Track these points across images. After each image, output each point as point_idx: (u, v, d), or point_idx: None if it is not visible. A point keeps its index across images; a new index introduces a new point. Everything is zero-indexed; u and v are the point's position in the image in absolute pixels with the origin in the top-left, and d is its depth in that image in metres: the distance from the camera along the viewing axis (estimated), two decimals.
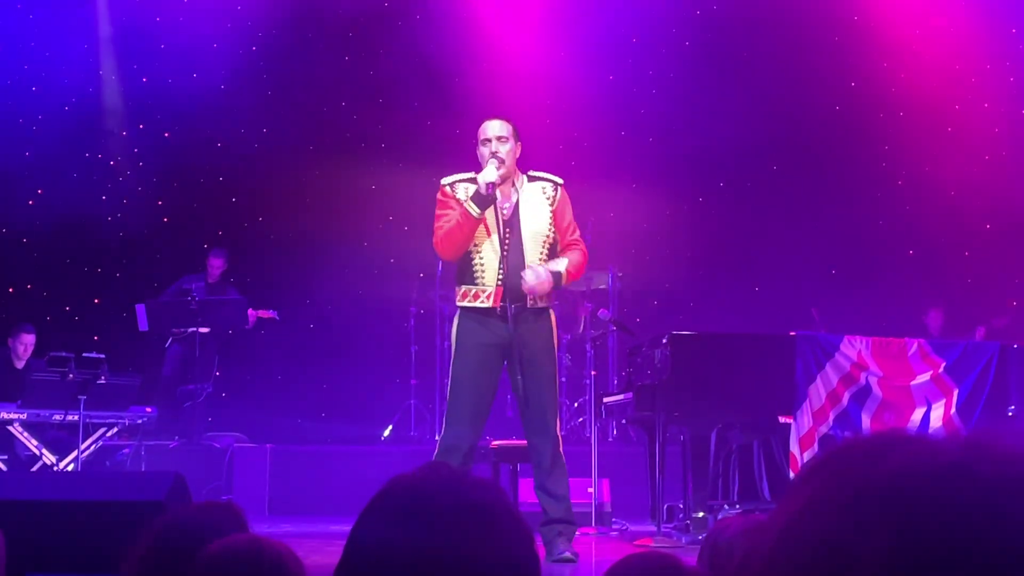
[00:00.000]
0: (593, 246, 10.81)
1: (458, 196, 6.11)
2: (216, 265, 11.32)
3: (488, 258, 6.08)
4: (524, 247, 6.11)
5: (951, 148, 12.61)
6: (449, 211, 6.10)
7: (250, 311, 10.72)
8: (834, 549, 0.81)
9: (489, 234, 6.07)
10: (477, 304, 6.11)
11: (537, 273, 6.02)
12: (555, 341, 6.20)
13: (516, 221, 6.14)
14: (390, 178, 12.13)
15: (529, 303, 6.08)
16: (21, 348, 10.02)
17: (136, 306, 10.80)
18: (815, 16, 12.62)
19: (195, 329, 10.55)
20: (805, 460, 7.13)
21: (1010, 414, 7.46)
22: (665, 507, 7.56)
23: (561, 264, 6.13)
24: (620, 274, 10.87)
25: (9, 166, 11.69)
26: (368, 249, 12.29)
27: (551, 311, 6.20)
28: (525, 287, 6.00)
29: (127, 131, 12.16)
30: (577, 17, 12.34)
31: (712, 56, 12.53)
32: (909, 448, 0.84)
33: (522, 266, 6.06)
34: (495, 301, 6.06)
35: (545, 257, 6.14)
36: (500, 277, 6.03)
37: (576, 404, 10.92)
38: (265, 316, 10.98)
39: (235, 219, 12.52)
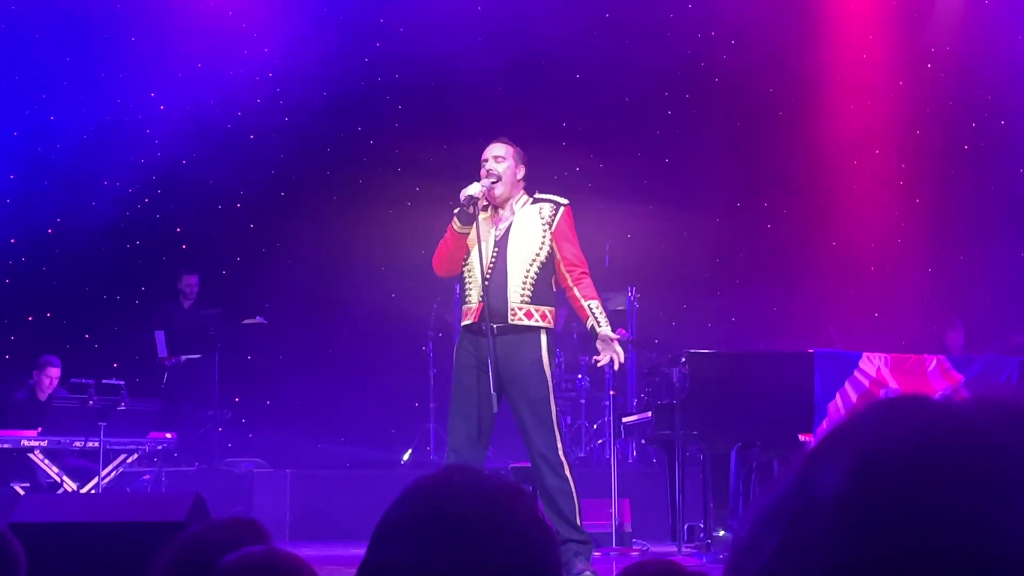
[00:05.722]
0: (611, 267, 10.90)
1: None
2: (193, 283, 11.36)
3: (475, 276, 6.11)
4: (508, 267, 6.08)
5: (967, 162, 12.60)
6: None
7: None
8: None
9: (481, 253, 6.08)
10: (467, 322, 6.13)
11: (614, 349, 6.16)
12: (545, 361, 6.01)
13: (505, 241, 6.16)
14: (408, 202, 12.16)
15: (512, 320, 6.03)
16: (47, 381, 9.95)
17: (156, 332, 10.84)
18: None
19: (188, 357, 10.62)
20: None
21: None
22: (686, 527, 7.54)
23: (602, 317, 6.21)
24: (638, 295, 10.87)
25: (31, 193, 11.74)
26: (387, 273, 12.30)
27: (542, 331, 6.05)
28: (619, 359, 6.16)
29: (138, 155, 12.13)
30: (612, 39, 12.38)
31: (722, 80, 12.55)
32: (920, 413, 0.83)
33: (505, 286, 6.04)
34: (476, 318, 6.06)
35: (533, 279, 6.08)
36: (482, 295, 6.03)
37: (595, 426, 10.91)
38: (251, 323, 11.06)
39: (253, 244, 12.53)
